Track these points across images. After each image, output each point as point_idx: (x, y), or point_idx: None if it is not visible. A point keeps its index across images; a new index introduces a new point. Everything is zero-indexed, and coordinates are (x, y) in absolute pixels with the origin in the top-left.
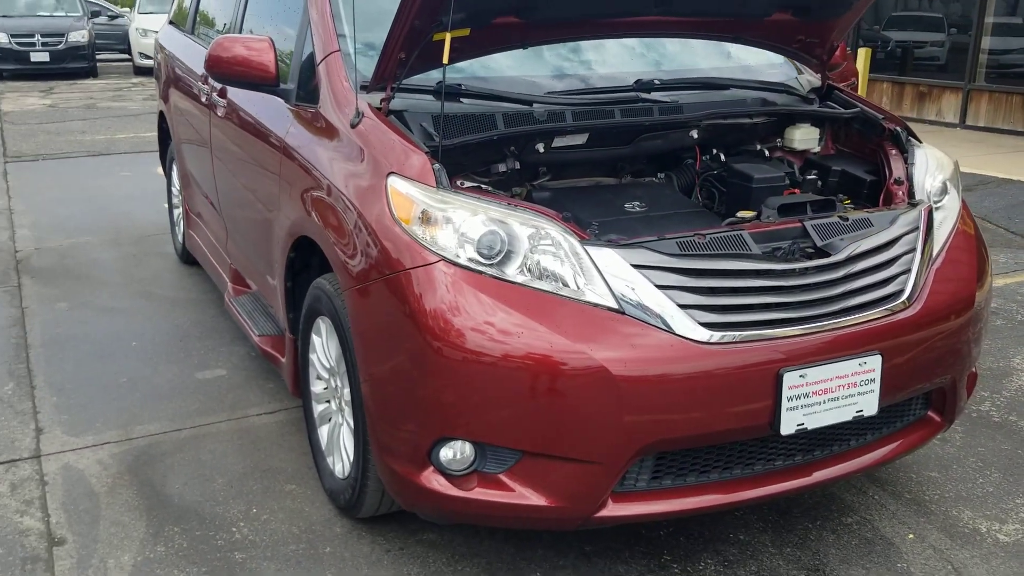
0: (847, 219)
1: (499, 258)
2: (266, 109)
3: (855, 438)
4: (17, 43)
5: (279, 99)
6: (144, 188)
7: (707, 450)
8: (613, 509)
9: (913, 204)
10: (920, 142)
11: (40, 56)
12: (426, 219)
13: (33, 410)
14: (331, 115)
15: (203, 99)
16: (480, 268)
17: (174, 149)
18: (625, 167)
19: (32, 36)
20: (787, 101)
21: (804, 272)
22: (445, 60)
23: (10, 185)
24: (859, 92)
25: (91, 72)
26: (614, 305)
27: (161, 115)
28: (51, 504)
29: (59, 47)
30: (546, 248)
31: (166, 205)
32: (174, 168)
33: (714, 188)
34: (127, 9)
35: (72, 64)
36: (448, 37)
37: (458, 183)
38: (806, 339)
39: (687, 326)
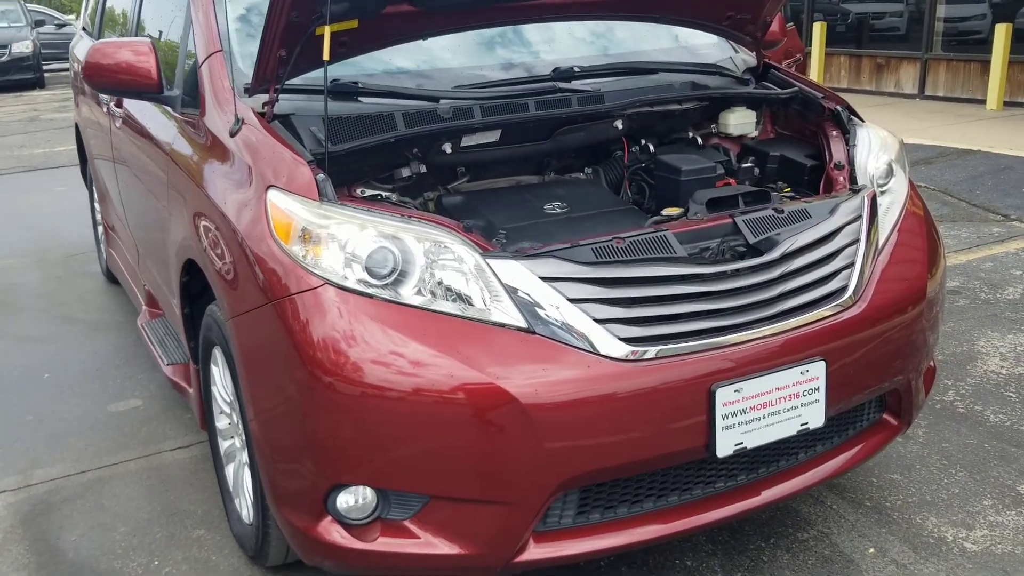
0: (782, 211)
1: (392, 278)
2: (155, 118)
3: (804, 451)
4: None
5: (167, 107)
6: (78, 203)
7: (638, 478)
8: (535, 552)
9: (855, 190)
10: (862, 121)
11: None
12: (308, 237)
13: None
14: (212, 123)
15: (104, 109)
16: (370, 291)
17: (90, 162)
18: (551, 163)
19: None
20: (720, 83)
21: (736, 274)
22: (326, 56)
23: None
24: (815, 67)
25: (38, 83)
26: (523, 324)
27: (77, 127)
28: None
29: (2, 59)
30: (446, 264)
31: (91, 221)
32: (94, 183)
33: (644, 182)
34: (73, 16)
35: (17, 76)
36: (328, 31)
37: (357, 192)
38: (740, 349)
39: (605, 343)
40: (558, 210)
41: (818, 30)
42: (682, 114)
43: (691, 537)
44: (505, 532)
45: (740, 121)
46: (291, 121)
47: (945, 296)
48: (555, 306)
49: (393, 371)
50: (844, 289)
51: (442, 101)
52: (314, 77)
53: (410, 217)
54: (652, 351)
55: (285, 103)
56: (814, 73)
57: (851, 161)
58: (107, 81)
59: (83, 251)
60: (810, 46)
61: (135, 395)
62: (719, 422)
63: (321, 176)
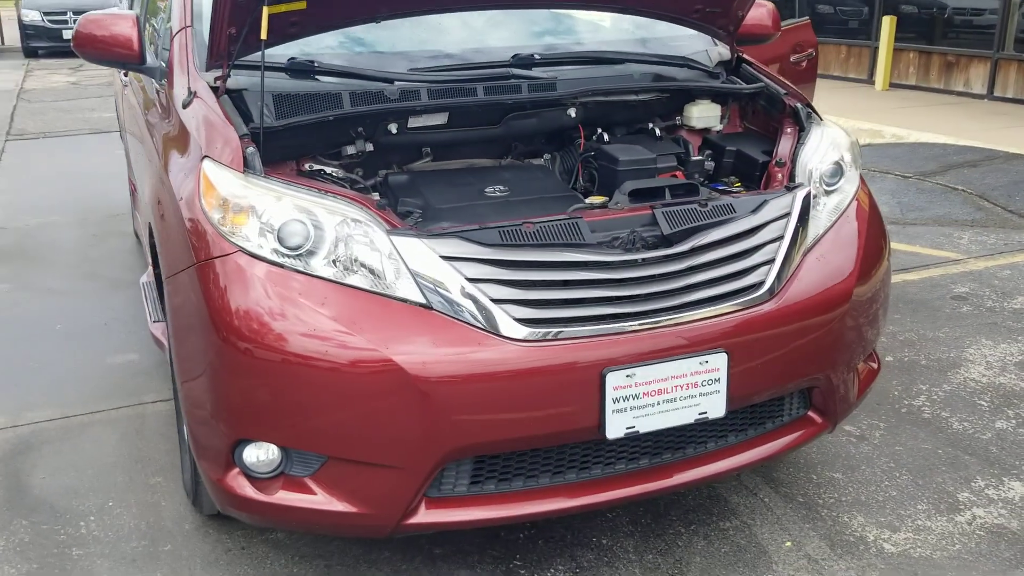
0: (706, 205)
1: (304, 249)
2: (141, 89)
3: (714, 440)
4: (50, 21)
5: (151, 78)
6: None
7: (534, 453)
8: (426, 516)
9: (790, 187)
10: (820, 120)
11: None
12: (228, 207)
13: None
14: (173, 94)
15: (120, 76)
16: (282, 260)
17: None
18: (516, 148)
19: (64, 14)
20: (687, 76)
21: (641, 263)
22: (263, 35)
23: (2, 164)
24: (882, 64)
25: None
26: (421, 300)
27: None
28: None
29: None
30: (355, 238)
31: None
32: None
33: (594, 171)
34: None
35: None
36: (266, 11)
37: (306, 167)
38: (636, 336)
39: (499, 322)
40: (497, 194)
41: (887, 25)
42: (643, 105)
43: (611, 516)
44: (395, 495)
45: (703, 114)
46: (243, 96)
47: (886, 298)
48: (453, 284)
49: (295, 338)
50: (759, 285)
51: (396, 83)
52: (275, 54)
53: (326, 192)
54: (545, 333)
55: (243, 79)
56: (880, 70)
57: (793, 159)
58: (93, 51)
59: (123, 212)
60: (878, 41)
61: (134, 350)
62: (609, 405)
63: (251, 149)
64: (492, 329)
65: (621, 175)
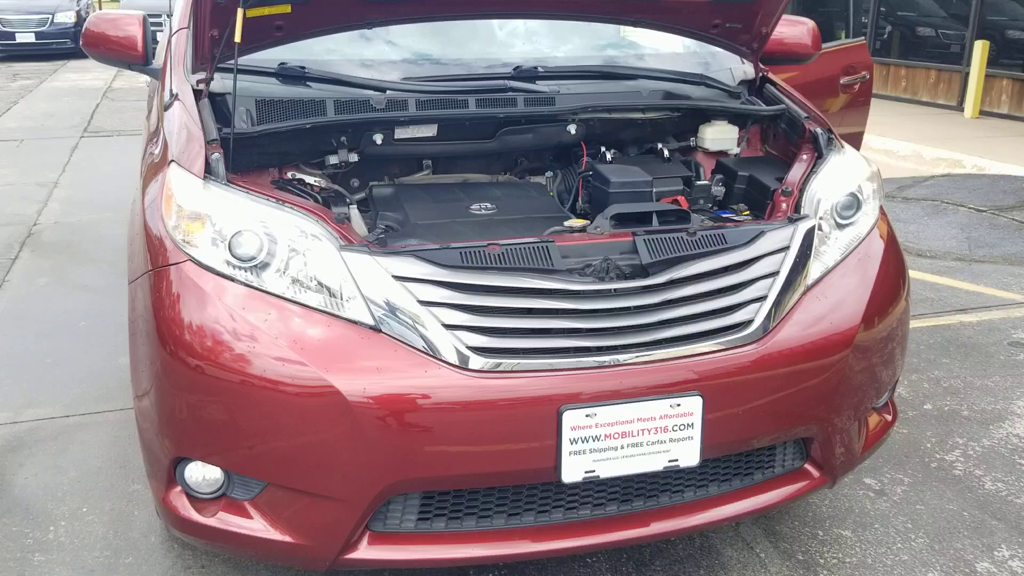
0: (694, 234)
1: (256, 261)
2: (151, 90)
3: (692, 489)
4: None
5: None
6: None
7: (488, 492)
8: (368, 551)
9: (793, 219)
10: (842, 147)
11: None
12: (184, 213)
13: None
14: (163, 96)
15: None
16: (232, 273)
17: None
18: (520, 163)
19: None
20: (704, 95)
21: (612, 294)
22: (237, 38)
23: (72, 160)
24: (973, 90)
25: (76, 53)
26: (370, 322)
27: None
28: None
29: (44, 27)
30: (307, 253)
31: None
32: None
33: (591, 191)
34: None
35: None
36: (240, 13)
37: (288, 175)
38: (599, 373)
39: (448, 350)
40: (483, 211)
41: (979, 49)
42: (653, 124)
43: (590, 561)
44: (333, 527)
45: (718, 136)
46: (226, 101)
47: (900, 345)
48: (404, 307)
49: (234, 355)
50: (747, 324)
51: (385, 92)
52: (267, 59)
53: (284, 203)
54: (498, 364)
55: (228, 83)
56: (971, 96)
57: (803, 187)
58: (100, 50)
59: None
60: (969, 66)
61: None
62: (566, 446)
63: (216, 155)
64: (441, 357)
65: (612, 197)
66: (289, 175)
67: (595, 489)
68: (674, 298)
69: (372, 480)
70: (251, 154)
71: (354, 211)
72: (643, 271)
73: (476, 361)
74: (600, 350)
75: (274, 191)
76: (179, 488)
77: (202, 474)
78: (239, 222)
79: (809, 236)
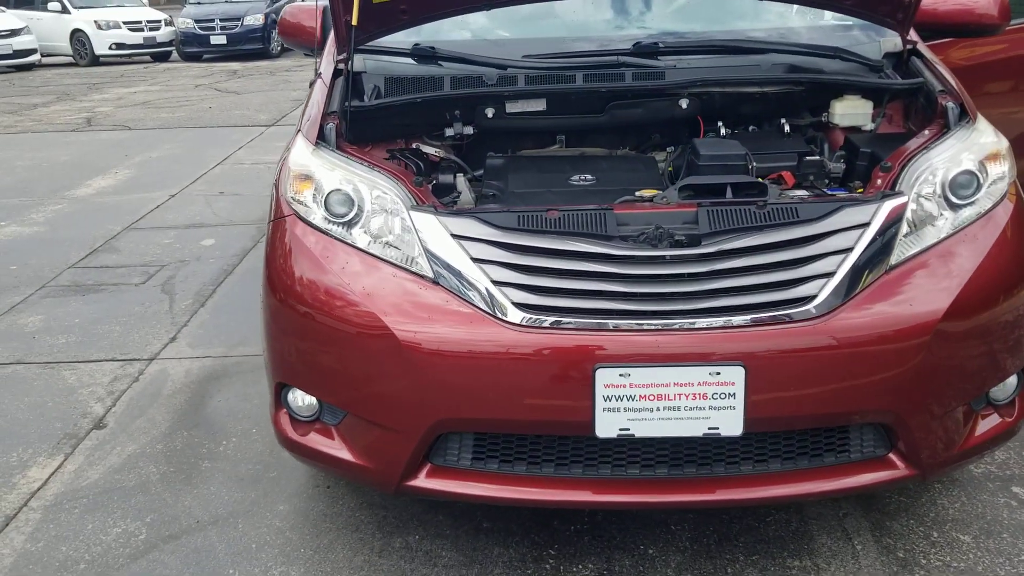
0: (764, 207)
1: (348, 218)
2: None
3: (750, 463)
4: (200, 28)
5: None
6: None
7: (535, 440)
8: (424, 481)
9: (887, 196)
10: (973, 122)
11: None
12: (295, 174)
13: (184, 323)
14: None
15: None
16: (327, 227)
17: None
18: (641, 138)
19: (212, 21)
20: (840, 69)
21: (657, 261)
22: (354, 21)
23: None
24: None
25: (265, 53)
26: (429, 275)
27: None
28: (125, 397)
29: (234, 30)
30: (385, 212)
31: None
32: None
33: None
34: None
35: (247, 46)
36: (358, 2)
37: (410, 146)
38: (634, 335)
39: (496, 304)
40: (581, 182)
41: None
42: (778, 98)
43: (674, 528)
44: (394, 456)
45: (848, 111)
46: (360, 78)
47: (1014, 341)
48: (459, 263)
49: (315, 297)
50: (807, 300)
51: (503, 69)
52: (400, 41)
53: (375, 167)
54: (540, 320)
55: (372, 63)
56: None
57: (905, 164)
58: (287, 36)
59: None
60: None
61: None
62: (599, 403)
63: (330, 125)
64: (487, 309)
65: (701, 170)
66: (412, 146)
67: (643, 450)
68: (724, 268)
69: (422, 416)
70: (376, 126)
71: (460, 179)
72: (697, 241)
73: (516, 315)
74: (642, 314)
75: (373, 158)
76: (284, 410)
77: (301, 400)
78: (334, 182)
79: (897, 214)
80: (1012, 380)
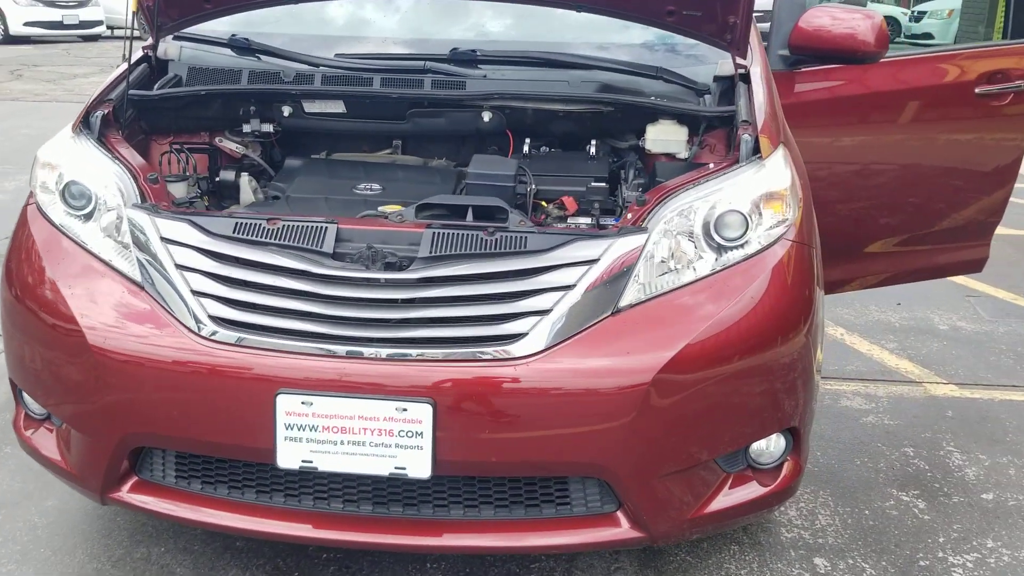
0: (492, 233)
1: (85, 211)
2: None
3: (459, 507)
4: None
5: None
6: None
7: (234, 464)
8: (129, 495)
9: (626, 231)
10: (761, 159)
11: None
12: (41, 162)
13: None
14: None
15: None
16: (60, 220)
17: None
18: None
19: None
20: (662, 90)
21: (356, 283)
22: (133, 7)
23: None
24: None
25: None
26: (136, 277)
27: None
28: None
29: None
30: (111, 208)
31: None
32: None
33: None
34: None
35: None
36: None
37: (216, 141)
38: (320, 361)
39: (189, 315)
40: (366, 192)
41: None
42: (591, 117)
43: (428, 564)
44: (93, 464)
45: (660, 137)
46: (168, 65)
47: (765, 398)
48: (163, 265)
49: (27, 289)
50: (516, 337)
51: (320, 68)
52: (217, 31)
53: (118, 159)
54: (229, 336)
55: (188, 51)
56: None
57: (662, 199)
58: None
59: None
60: None
61: None
62: (280, 431)
63: (98, 113)
64: (181, 319)
65: (468, 188)
66: (218, 140)
67: (344, 485)
68: (429, 296)
69: (113, 426)
70: (166, 117)
71: (243, 179)
72: (407, 265)
73: (208, 329)
74: (332, 338)
75: (132, 152)
76: (18, 405)
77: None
78: (72, 173)
79: (633, 253)
80: (778, 442)
